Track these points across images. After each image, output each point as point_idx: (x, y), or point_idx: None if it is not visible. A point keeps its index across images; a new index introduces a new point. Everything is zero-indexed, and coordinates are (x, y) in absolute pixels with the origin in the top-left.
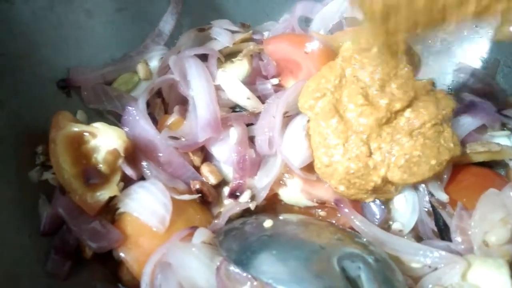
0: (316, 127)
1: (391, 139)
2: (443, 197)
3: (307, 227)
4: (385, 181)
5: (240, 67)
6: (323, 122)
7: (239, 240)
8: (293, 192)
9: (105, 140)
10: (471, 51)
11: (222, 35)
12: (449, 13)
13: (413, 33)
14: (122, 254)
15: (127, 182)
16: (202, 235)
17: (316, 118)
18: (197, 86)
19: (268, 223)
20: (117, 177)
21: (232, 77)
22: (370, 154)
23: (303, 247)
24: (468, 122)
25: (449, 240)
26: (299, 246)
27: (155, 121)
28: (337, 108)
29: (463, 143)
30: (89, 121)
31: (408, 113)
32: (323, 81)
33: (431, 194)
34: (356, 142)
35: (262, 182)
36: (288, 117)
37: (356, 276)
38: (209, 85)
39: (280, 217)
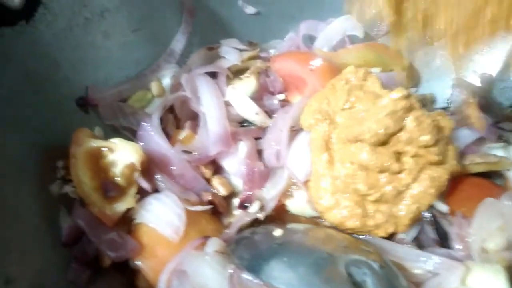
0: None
1: (393, 197)
2: (444, 208)
3: (315, 235)
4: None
5: (248, 83)
6: (315, 156)
7: (251, 249)
8: (300, 203)
9: (122, 154)
10: (468, 66)
11: (231, 54)
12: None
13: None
14: (139, 263)
15: (142, 194)
16: (214, 244)
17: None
18: (208, 102)
19: (277, 232)
20: (134, 190)
21: (241, 94)
22: (367, 215)
23: (312, 254)
24: (467, 135)
25: (449, 247)
26: (308, 253)
27: (168, 136)
28: (328, 146)
29: (462, 154)
30: (106, 136)
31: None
32: (325, 103)
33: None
34: (349, 199)
35: (270, 193)
36: (294, 131)
37: (362, 281)
38: (219, 101)
39: (288, 226)
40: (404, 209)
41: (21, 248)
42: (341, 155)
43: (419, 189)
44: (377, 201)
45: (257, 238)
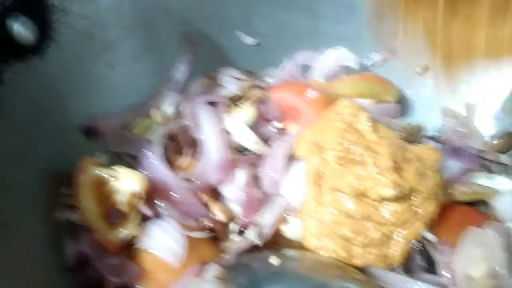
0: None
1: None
2: (431, 237)
3: (309, 264)
4: None
5: (246, 112)
6: (307, 190)
7: (248, 276)
8: (295, 229)
9: (127, 183)
10: (456, 95)
11: (230, 83)
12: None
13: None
14: None
15: (143, 219)
16: (213, 270)
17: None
18: (208, 130)
19: (275, 260)
20: (138, 217)
21: (240, 123)
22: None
23: (309, 283)
24: (454, 166)
25: (435, 274)
26: (305, 283)
27: (169, 162)
28: (319, 183)
29: (449, 184)
30: (109, 163)
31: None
32: (320, 134)
33: None
34: (336, 243)
35: (267, 219)
36: (291, 160)
37: None
38: (219, 130)
39: (284, 253)
40: (397, 249)
41: (28, 273)
42: (329, 199)
43: (410, 229)
44: (365, 246)
45: (254, 265)
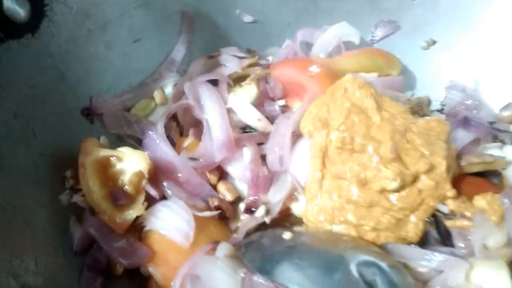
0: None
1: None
2: (444, 209)
3: (323, 237)
4: None
5: (249, 90)
6: (311, 167)
7: (261, 252)
8: (304, 206)
9: (130, 163)
10: (461, 69)
11: (231, 61)
12: None
13: None
14: (150, 269)
15: (149, 201)
16: (224, 249)
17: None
18: (211, 110)
19: (287, 235)
20: (142, 197)
21: (243, 101)
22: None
23: (324, 256)
24: (463, 136)
25: (452, 245)
26: (320, 256)
27: (173, 143)
28: (324, 161)
29: (458, 155)
30: (111, 145)
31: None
32: (325, 110)
33: None
34: (344, 224)
35: (275, 197)
36: (296, 136)
37: (372, 280)
38: (222, 109)
39: (295, 229)
40: (412, 230)
41: (35, 257)
42: (331, 185)
43: (421, 209)
44: (375, 229)
45: (266, 242)
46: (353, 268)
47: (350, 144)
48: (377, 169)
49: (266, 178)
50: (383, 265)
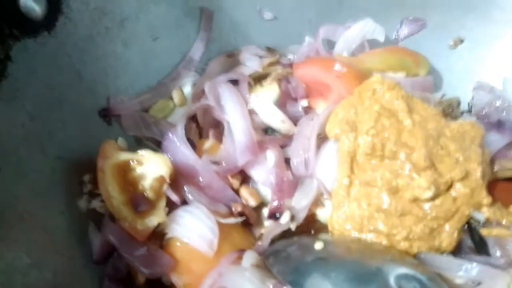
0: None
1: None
2: (480, 216)
3: (357, 248)
4: None
5: (270, 90)
6: (339, 173)
7: (291, 262)
8: (330, 213)
9: (151, 167)
10: (489, 69)
11: (251, 60)
12: None
13: None
14: (173, 279)
15: (170, 206)
16: (251, 258)
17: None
18: (232, 111)
19: (319, 245)
20: (163, 203)
21: (266, 101)
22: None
23: (360, 269)
24: (497, 140)
25: (487, 254)
26: (355, 268)
27: (193, 145)
28: (352, 166)
29: (492, 160)
30: (129, 147)
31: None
32: (353, 112)
33: None
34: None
35: (300, 203)
36: (321, 139)
37: None
38: (244, 110)
39: (323, 238)
40: (446, 239)
41: (53, 265)
42: (359, 193)
43: (455, 218)
44: (407, 239)
45: (295, 251)
46: (392, 282)
47: (380, 150)
48: (410, 177)
49: (290, 183)
50: (423, 278)
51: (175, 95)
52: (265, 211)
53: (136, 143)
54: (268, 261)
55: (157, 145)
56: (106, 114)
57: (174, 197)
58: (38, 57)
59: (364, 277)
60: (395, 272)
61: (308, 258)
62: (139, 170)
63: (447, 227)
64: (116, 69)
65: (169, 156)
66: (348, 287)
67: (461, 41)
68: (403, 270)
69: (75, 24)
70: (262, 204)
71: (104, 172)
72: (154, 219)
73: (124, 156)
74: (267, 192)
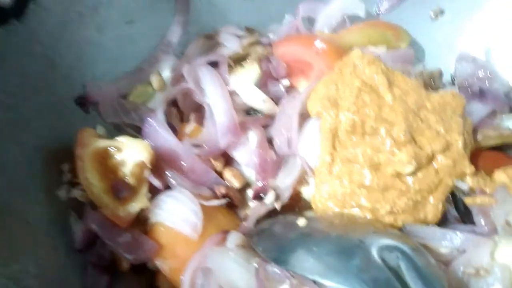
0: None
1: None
2: (463, 186)
3: (340, 222)
4: None
5: (251, 71)
6: (321, 151)
7: (275, 240)
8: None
9: (131, 153)
10: (471, 39)
11: (231, 41)
12: None
13: None
14: (158, 264)
15: (153, 192)
16: (235, 238)
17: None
18: (213, 93)
19: (301, 221)
20: (145, 189)
21: (246, 82)
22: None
23: (342, 242)
24: (479, 109)
25: (471, 223)
26: (338, 242)
27: (174, 130)
28: (334, 143)
29: (475, 129)
30: (108, 135)
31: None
32: (334, 89)
33: None
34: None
35: (285, 182)
36: (303, 117)
37: (396, 265)
38: (224, 92)
39: (309, 215)
40: (431, 211)
41: (35, 257)
42: (341, 170)
43: (439, 189)
44: (392, 213)
45: (279, 229)
46: (375, 253)
47: (361, 127)
48: (391, 152)
49: (274, 162)
50: (406, 248)
51: (154, 80)
52: (250, 192)
53: (116, 130)
54: (253, 240)
55: (137, 132)
56: (83, 102)
57: (156, 182)
58: (8, 46)
59: (347, 250)
60: (377, 243)
61: (291, 235)
62: (118, 156)
63: (431, 199)
64: (91, 56)
65: (150, 142)
66: (331, 260)
67: (442, 12)
68: (385, 241)
69: (46, 11)
70: (246, 185)
71: (83, 160)
72: (136, 205)
73: (103, 143)
74: (251, 173)
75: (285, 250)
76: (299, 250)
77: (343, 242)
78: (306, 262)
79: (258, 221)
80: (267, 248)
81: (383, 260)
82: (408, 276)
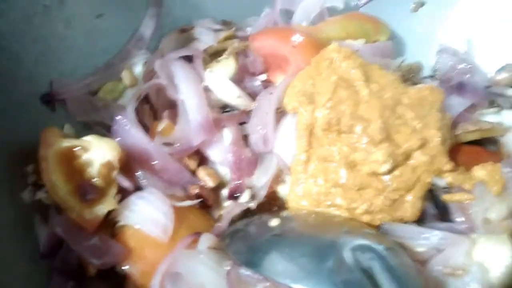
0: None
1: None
2: (441, 182)
3: (314, 222)
4: None
5: (226, 66)
6: (297, 148)
7: (247, 242)
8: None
9: (97, 153)
10: (452, 31)
11: (205, 35)
12: None
13: None
14: (126, 268)
15: (123, 193)
16: (207, 240)
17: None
18: (186, 89)
19: (274, 222)
20: (113, 190)
21: (220, 77)
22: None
23: (315, 243)
24: (459, 103)
25: (450, 221)
26: (311, 243)
27: (146, 128)
28: (310, 140)
29: (454, 124)
30: (77, 134)
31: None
32: (310, 83)
33: None
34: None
35: (260, 180)
36: (280, 113)
37: (368, 267)
38: (198, 87)
39: (284, 215)
40: (409, 209)
41: None
42: (316, 169)
43: (419, 186)
44: (369, 212)
45: (252, 230)
46: (348, 254)
47: (337, 125)
48: (367, 151)
49: (249, 160)
50: (380, 248)
51: (125, 76)
52: (225, 192)
53: (85, 129)
54: (224, 242)
55: (107, 130)
56: (49, 99)
57: (126, 183)
58: None
59: (320, 251)
60: (351, 244)
61: (264, 236)
62: (85, 156)
63: (409, 197)
64: (58, 51)
65: (120, 140)
66: (303, 262)
67: (422, 4)
68: (358, 241)
69: (10, 3)
70: (221, 184)
71: (47, 161)
72: (103, 207)
73: (68, 143)
74: (226, 172)
75: (257, 252)
76: (272, 252)
77: (316, 243)
78: (278, 265)
79: (234, 221)
80: (238, 250)
81: (357, 260)
82: (381, 277)
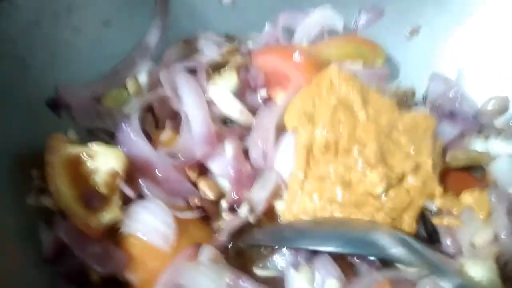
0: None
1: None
2: (432, 206)
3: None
4: None
5: (228, 79)
6: (295, 167)
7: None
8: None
9: (103, 161)
10: (445, 59)
11: (209, 48)
12: None
13: None
14: (129, 276)
15: (125, 201)
16: (208, 252)
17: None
18: (190, 101)
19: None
20: (117, 198)
21: (223, 91)
22: None
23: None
24: (448, 131)
25: (438, 243)
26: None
27: (148, 137)
28: (308, 160)
29: (444, 150)
30: (80, 140)
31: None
32: (310, 103)
33: None
34: None
35: (259, 195)
36: (280, 130)
37: None
38: (201, 100)
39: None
40: (406, 229)
41: (1, 270)
42: (313, 186)
43: (412, 208)
44: None
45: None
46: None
47: (334, 147)
48: (363, 172)
49: (249, 175)
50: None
51: (130, 84)
52: (224, 204)
53: (89, 135)
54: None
55: (110, 137)
56: (55, 105)
57: (129, 192)
58: None
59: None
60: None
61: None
62: (90, 164)
63: (405, 217)
64: (65, 57)
65: (124, 149)
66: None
67: (417, 31)
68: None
69: (19, 9)
70: (220, 196)
71: (53, 166)
72: (107, 215)
73: (74, 149)
74: (226, 184)
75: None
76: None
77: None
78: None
79: (232, 234)
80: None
81: None
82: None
